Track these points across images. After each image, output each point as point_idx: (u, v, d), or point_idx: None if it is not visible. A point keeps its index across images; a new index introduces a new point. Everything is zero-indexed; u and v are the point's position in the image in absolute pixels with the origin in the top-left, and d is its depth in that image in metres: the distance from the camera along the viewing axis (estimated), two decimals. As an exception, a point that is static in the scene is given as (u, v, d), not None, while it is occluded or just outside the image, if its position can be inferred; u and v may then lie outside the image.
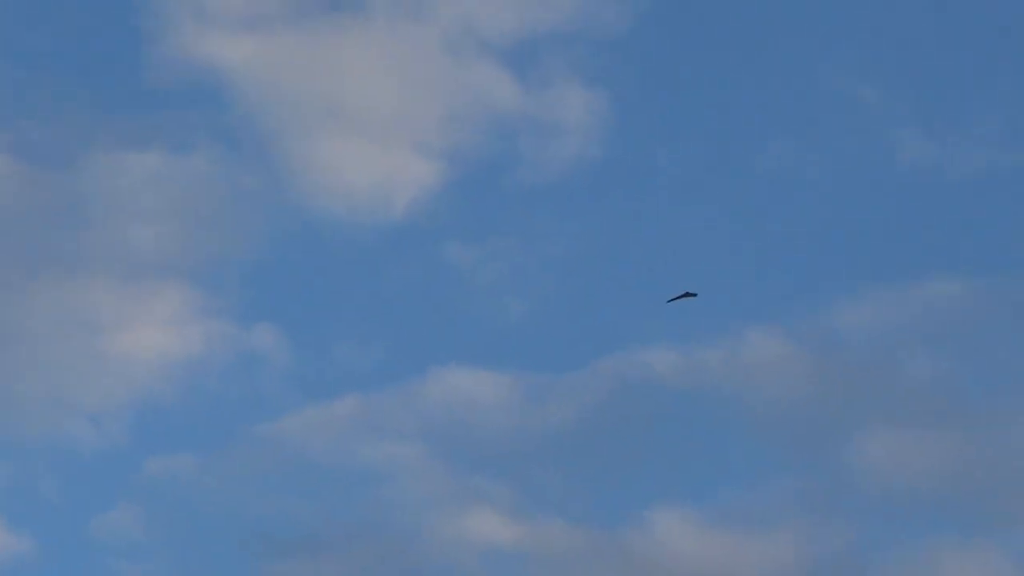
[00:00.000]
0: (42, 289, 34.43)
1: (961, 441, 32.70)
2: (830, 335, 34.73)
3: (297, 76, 36.89)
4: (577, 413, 33.21)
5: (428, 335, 34.86)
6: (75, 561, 31.11)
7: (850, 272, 35.01)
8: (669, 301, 28.83)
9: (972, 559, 30.14)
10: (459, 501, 31.37)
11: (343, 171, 35.78)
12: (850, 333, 34.91)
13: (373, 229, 35.83)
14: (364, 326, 34.69)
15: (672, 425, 32.95)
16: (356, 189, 35.66)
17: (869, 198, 36.42)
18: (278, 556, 30.01)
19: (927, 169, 36.05)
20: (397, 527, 31.03)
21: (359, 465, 32.05)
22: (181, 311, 34.19)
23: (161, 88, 37.69)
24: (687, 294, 29.10)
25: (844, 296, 34.75)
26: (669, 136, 37.77)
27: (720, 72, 38.66)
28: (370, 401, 33.31)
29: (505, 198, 37.10)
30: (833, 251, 35.44)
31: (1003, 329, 34.29)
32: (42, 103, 37.52)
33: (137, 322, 33.88)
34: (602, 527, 31.64)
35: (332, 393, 33.51)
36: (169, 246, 35.74)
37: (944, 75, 38.27)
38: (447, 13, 37.03)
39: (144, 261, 35.37)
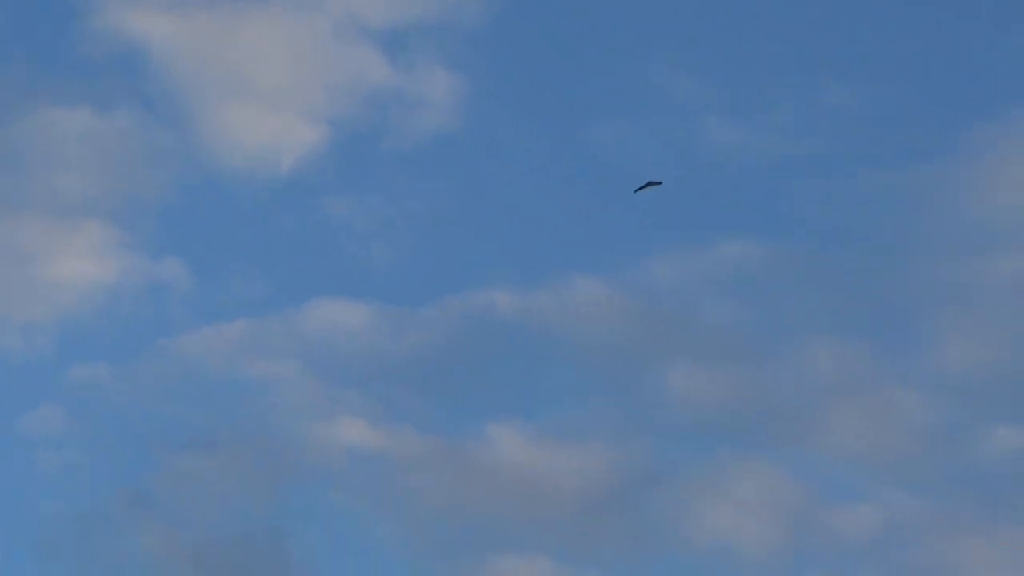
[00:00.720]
0: (-20, 224, 35.39)
1: (747, 374, 33.81)
2: (643, 284, 35.50)
3: (206, 51, 37.88)
4: (430, 341, 34.06)
5: (308, 272, 35.91)
6: (5, 452, 32.05)
7: (661, 233, 36.09)
8: (636, 191, 27.96)
9: (753, 471, 31.25)
10: (329, 411, 32.17)
11: (241, 132, 36.97)
12: (660, 283, 35.60)
13: (265, 181, 36.93)
14: (255, 262, 35.72)
15: (509, 354, 33.95)
16: (252, 147, 36.80)
17: (679, 171, 36.98)
18: (177, 451, 31.22)
19: (728, 150, 37.85)
20: (277, 431, 31.99)
21: (246, 378, 33.01)
22: (101, 245, 35.27)
23: (90, 56, 38.43)
24: (651, 183, 28.20)
25: (656, 252, 35.64)
26: (515, 113, 39.02)
27: (560, 62, 40.05)
28: (257, 325, 34.18)
29: (376, 160, 38.23)
30: (647, 214, 35.72)
31: (783, 282, 35.36)
32: None
33: (63, 254, 34.95)
34: (449, 436, 32.25)
35: (225, 317, 34.51)
36: (92, 190, 36.65)
37: (747, 72, 39.82)
38: (334, 3, 38.20)
39: (70, 203, 36.22)
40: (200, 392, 32.93)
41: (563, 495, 30.91)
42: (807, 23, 40.69)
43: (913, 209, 36.35)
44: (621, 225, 36.66)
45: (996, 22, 40.29)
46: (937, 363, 33.08)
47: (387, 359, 33.76)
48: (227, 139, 36.89)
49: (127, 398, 32.66)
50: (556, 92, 39.40)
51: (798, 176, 37.50)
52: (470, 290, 35.13)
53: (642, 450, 32.16)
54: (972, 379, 32.65)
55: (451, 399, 32.97)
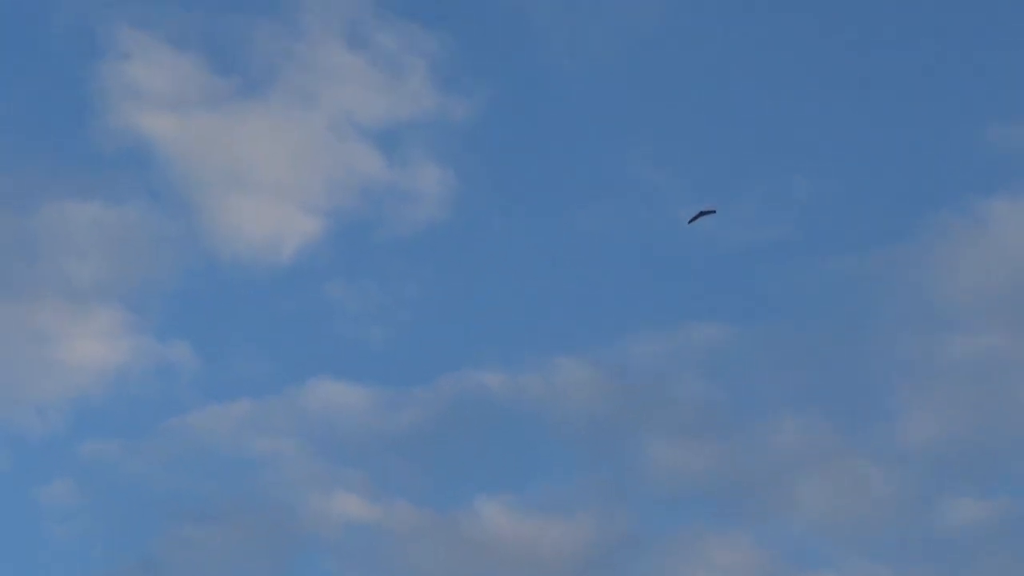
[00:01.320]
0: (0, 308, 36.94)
1: (720, 448, 34.65)
2: (622, 364, 36.40)
3: (210, 146, 39.31)
4: (422, 419, 34.79)
5: (307, 353, 36.88)
6: (21, 524, 33.17)
7: (638, 315, 37.12)
8: (690, 222, 27.66)
9: (727, 539, 32.07)
10: (328, 485, 33.00)
11: (244, 222, 38.25)
12: (637, 362, 36.44)
13: (268, 269, 38.07)
14: (258, 344, 36.75)
15: (497, 431, 34.72)
16: (254, 237, 38.03)
17: (656, 257, 38.83)
18: (183, 522, 32.16)
19: (700, 236, 37.06)
20: (278, 503, 32.94)
21: (249, 453, 33.73)
22: (112, 328, 36.38)
23: (101, 152, 39.90)
24: (704, 212, 27.87)
25: (633, 333, 36.49)
26: (502, 204, 40.36)
27: (542, 155, 41.48)
28: (260, 403, 35.00)
29: (371, 249, 39.31)
30: (627, 298, 37.71)
31: (753, 361, 36.51)
32: (3, 158, 40.39)
33: (76, 336, 36.03)
34: (441, 509, 32.94)
35: (230, 396, 35.23)
36: (103, 277, 38.01)
37: (717, 164, 41.26)
38: (331, 102, 39.81)
39: (83, 288, 37.55)
40: (205, 467, 33.85)
41: (549, 564, 31.89)
42: (772, 119, 42.34)
43: (874, 291, 37.41)
44: (601, 308, 37.89)
45: (946, 117, 42.10)
46: (899, 436, 33.97)
47: (382, 436, 34.74)
48: (231, 228, 38.23)
49: (136, 472, 33.56)
50: (539, 183, 40.82)
51: (765, 261, 38.75)
52: (460, 371, 35.96)
53: (623, 520, 33.17)
54: (932, 452, 33.49)
55: (443, 474, 33.83)
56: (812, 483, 33.00)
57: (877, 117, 42.43)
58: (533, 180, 41.14)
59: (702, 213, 28.37)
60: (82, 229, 38.85)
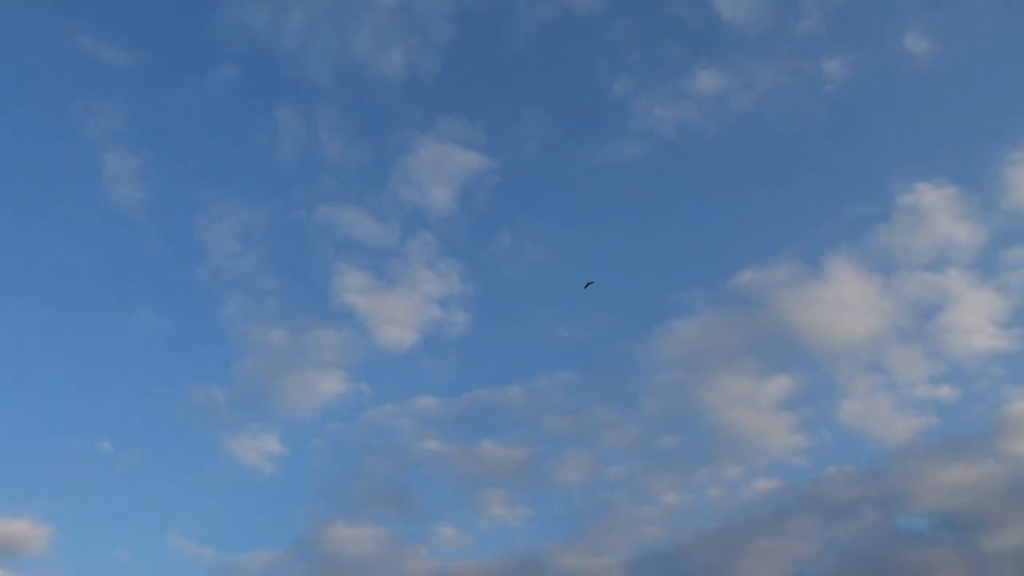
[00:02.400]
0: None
1: None
2: None
3: (383, 309, 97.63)
4: None
5: None
6: None
7: None
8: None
9: None
10: None
11: (393, 326, 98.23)
12: None
13: (406, 347, 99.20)
14: None
15: None
16: (399, 337, 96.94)
17: None
18: None
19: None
20: None
21: None
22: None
23: (335, 311, 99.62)
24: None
25: None
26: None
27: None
28: None
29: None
30: None
31: None
32: (287, 310, 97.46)
33: None
34: None
35: None
36: (331, 358, 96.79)
37: None
38: (423, 290, 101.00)
39: (325, 361, 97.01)
40: None
41: None
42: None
43: None
44: None
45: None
46: None
47: None
48: (385, 332, 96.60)
49: None
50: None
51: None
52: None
53: None
54: None
55: None
56: None
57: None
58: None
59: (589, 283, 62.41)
60: (324, 343, 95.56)
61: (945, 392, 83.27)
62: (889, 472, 78.95)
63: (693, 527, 79.96)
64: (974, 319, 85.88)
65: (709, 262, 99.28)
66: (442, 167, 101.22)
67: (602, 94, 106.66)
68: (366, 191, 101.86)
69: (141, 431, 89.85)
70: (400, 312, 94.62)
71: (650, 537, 79.16)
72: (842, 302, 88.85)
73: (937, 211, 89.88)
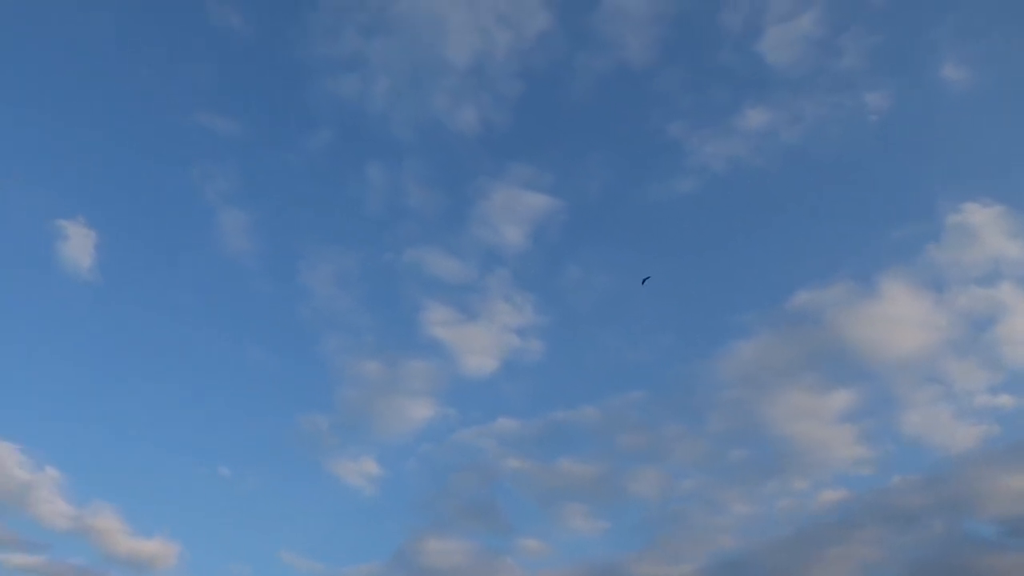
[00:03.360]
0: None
1: None
2: None
3: (467, 341, 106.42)
4: None
5: None
6: None
7: None
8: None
9: None
10: None
11: (474, 357, 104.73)
12: None
13: (487, 376, 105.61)
14: None
15: None
16: (482, 366, 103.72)
17: None
18: None
19: None
20: None
21: None
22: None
23: (423, 345, 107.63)
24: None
25: None
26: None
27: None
28: None
29: (525, 373, 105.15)
30: None
31: None
32: (381, 339, 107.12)
33: None
34: None
35: None
36: (420, 386, 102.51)
37: None
38: (498, 322, 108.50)
39: (414, 389, 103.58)
40: None
41: None
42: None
43: None
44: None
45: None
46: None
47: None
48: (470, 365, 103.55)
49: None
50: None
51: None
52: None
53: None
54: None
55: None
56: None
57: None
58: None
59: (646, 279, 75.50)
60: (414, 372, 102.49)
61: (1005, 400, 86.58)
62: (953, 480, 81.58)
63: (763, 536, 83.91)
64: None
65: (765, 285, 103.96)
66: (514, 209, 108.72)
67: (657, 136, 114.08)
68: (447, 233, 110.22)
69: (256, 456, 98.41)
70: (481, 342, 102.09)
71: (722, 546, 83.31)
72: (896, 318, 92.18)
73: (986, 229, 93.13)
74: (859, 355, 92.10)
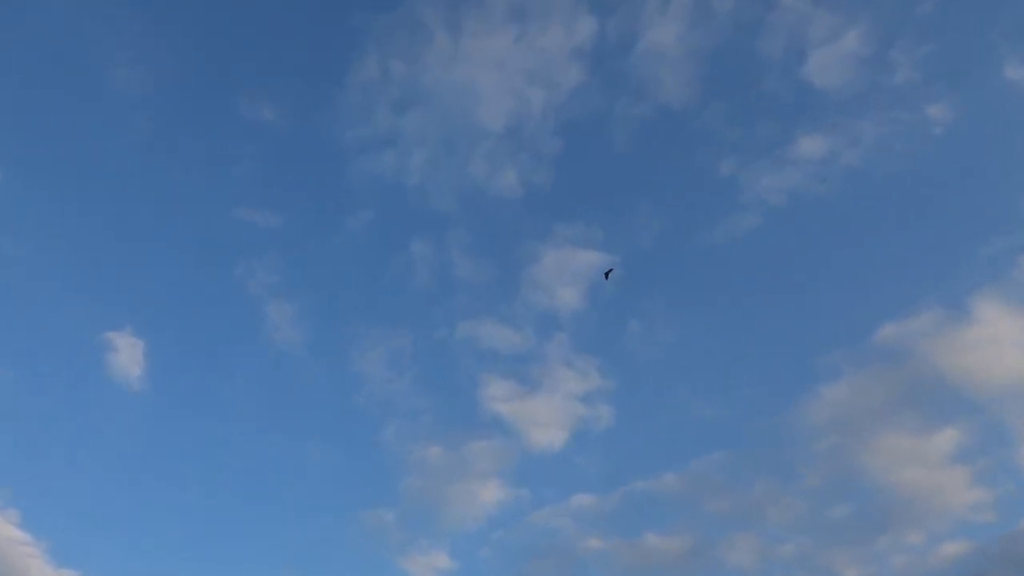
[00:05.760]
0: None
1: None
2: None
3: (525, 414, 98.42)
4: None
5: None
6: None
7: None
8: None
9: None
10: None
11: (538, 435, 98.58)
12: None
13: (552, 454, 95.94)
14: None
15: None
16: (542, 442, 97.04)
17: None
18: None
19: None
20: None
21: None
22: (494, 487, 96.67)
23: (484, 421, 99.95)
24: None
25: None
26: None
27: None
28: None
29: (591, 443, 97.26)
30: None
31: None
32: (438, 426, 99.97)
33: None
34: None
35: None
36: (487, 467, 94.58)
37: None
38: (560, 391, 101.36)
39: (481, 472, 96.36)
40: None
41: None
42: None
43: None
44: None
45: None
46: None
47: None
48: (534, 439, 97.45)
49: None
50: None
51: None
52: None
53: None
54: None
55: None
56: None
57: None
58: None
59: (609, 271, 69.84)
60: (478, 453, 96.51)
61: None
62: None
63: (880, 601, 76.56)
64: None
65: (846, 322, 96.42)
66: (566, 269, 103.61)
67: (707, 175, 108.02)
68: (499, 303, 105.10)
69: (320, 558, 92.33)
70: (546, 414, 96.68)
71: (833, 615, 76.78)
72: (996, 341, 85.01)
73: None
74: (960, 387, 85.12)
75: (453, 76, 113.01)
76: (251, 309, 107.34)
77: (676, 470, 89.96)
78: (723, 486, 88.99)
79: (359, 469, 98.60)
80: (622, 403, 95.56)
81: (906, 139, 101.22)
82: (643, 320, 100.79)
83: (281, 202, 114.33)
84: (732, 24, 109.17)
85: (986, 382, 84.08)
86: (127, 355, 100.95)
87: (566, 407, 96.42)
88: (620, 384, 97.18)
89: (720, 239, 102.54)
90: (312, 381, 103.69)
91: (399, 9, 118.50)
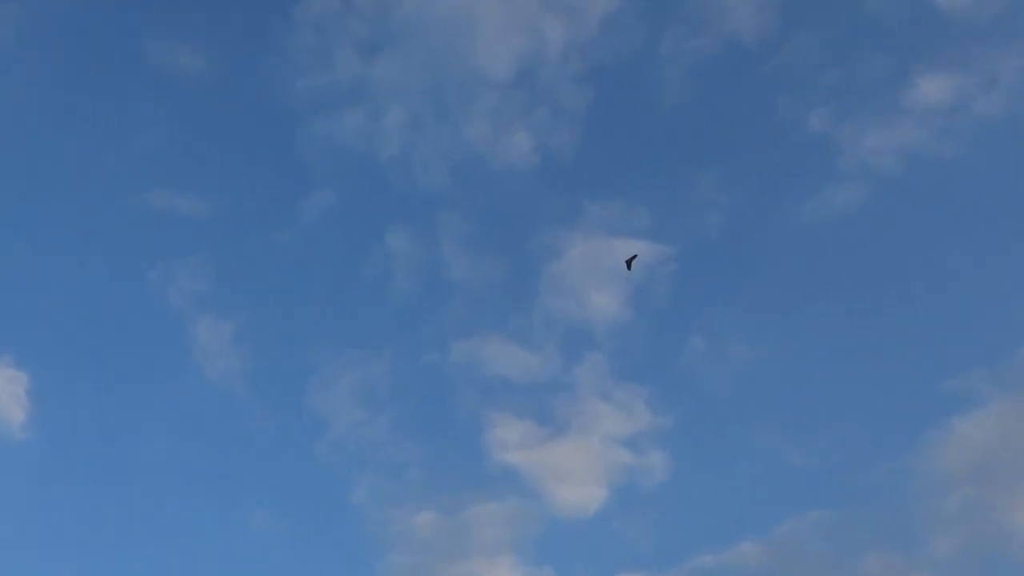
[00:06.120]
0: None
1: None
2: None
3: (544, 464, 72.15)
4: None
5: None
6: None
7: None
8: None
9: None
10: None
11: (567, 497, 71.82)
12: None
13: (580, 518, 72.03)
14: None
15: None
16: (572, 503, 71.10)
17: None
18: None
19: None
20: None
21: None
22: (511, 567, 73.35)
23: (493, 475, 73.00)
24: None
25: None
26: (704, 470, 74.58)
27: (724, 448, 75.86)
28: None
29: (638, 500, 72.79)
30: None
31: None
32: (444, 484, 73.25)
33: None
34: None
35: None
36: (502, 538, 71.27)
37: None
38: (599, 430, 76.52)
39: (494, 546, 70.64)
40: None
41: None
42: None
43: None
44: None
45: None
46: None
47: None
48: (560, 501, 71.29)
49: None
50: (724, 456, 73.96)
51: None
52: None
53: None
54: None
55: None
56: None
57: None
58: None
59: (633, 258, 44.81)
60: (485, 519, 72.10)
61: None
62: None
63: None
64: None
65: (989, 331, 71.87)
66: (601, 266, 78.68)
67: (793, 133, 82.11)
68: (509, 314, 79.69)
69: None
70: (577, 465, 73.35)
71: None
72: None
73: None
74: None
75: (440, 5, 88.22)
76: (172, 329, 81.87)
77: (756, 538, 67.15)
78: (821, 559, 67.26)
79: (322, 545, 74.64)
80: (681, 448, 72.45)
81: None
82: (708, 334, 75.74)
83: (210, 182, 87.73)
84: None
85: None
86: (5, 393, 77.17)
87: (604, 455, 73.86)
88: (678, 422, 73.69)
89: (811, 220, 76.83)
90: (256, 426, 78.42)
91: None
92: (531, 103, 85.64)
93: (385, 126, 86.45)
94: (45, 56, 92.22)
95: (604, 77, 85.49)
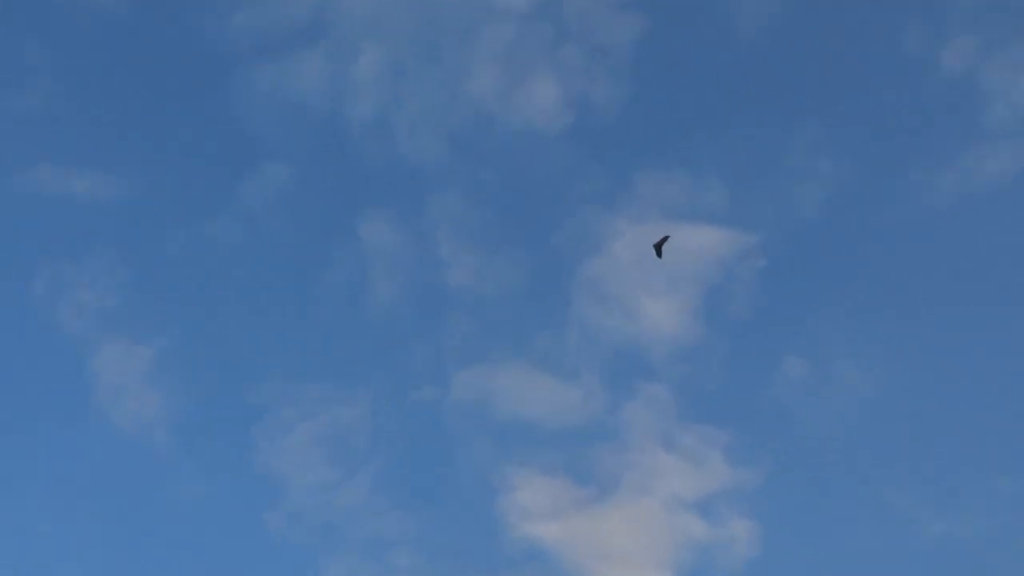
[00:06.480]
0: None
1: None
2: None
3: (585, 539, 54.79)
4: None
5: None
6: None
7: None
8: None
9: None
10: None
11: None
12: None
13: None
14: None
15: None
16: None
17: None
18: None
19: None
20: None
21: None
22: None
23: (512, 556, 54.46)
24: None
25: None
26: (802, 545, 53.86)
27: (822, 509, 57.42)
28: None
29: None
30: None
31: None
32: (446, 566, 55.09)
33: None
34: None
35: None
36: None
37: None
38: (660, 491, 56.41)
39: None
40: None
41: None
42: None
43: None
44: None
45: None
46: None
47: None
48: None
49: None
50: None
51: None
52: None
53: None
54: None
55: None
56: None
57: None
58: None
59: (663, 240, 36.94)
60: None
61: None
62: None
63: None
64: None
65: None
66: (657, 263, 59.86)
67: (920, 76, 63.46)
68: (531, 331, 61.50)
69: None
70: (630, 539, 56.09)
71: None
72: None
73: None
74: None
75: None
76: (66, 358, 63.60)
77: (881, 638, 52.04)
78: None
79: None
80: (773, 514, 56.10)
81: None
82: (808, 355, 57.88)
83: (118, 155, 67.54)
84: None
85: None
86: None
87: (668, 525, 56.50)
88: (769, 478, 56.97)
89: (948, 197, 59.44)
90: (184, 491, 60.18)
91: None
92: (558, 39, 66.10)
93: (355, 75, 65.79)
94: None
95: (659, 5, 66.11)
